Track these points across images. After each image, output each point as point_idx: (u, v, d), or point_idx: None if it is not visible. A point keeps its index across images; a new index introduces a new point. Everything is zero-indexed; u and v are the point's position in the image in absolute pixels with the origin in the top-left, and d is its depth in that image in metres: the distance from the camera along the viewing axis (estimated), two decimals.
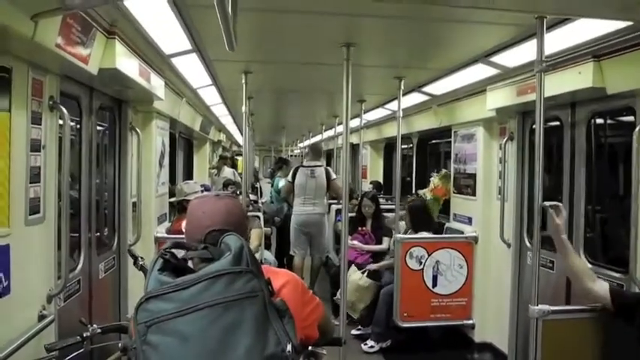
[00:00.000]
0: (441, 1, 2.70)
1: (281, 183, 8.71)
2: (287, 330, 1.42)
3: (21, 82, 2.50)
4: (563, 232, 3.01)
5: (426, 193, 6.38)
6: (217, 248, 1.51)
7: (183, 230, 1.84)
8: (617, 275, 3.66)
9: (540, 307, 2.97)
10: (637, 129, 3.23)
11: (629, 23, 2.75)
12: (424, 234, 5.76)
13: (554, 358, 2.98)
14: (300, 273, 7.67)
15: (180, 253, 1.59)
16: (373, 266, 6.00)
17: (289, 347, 1.38)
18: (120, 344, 2.19)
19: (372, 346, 5.70)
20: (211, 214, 1.78)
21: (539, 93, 2.96)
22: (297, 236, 7.69)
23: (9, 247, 2.40)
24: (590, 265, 3.98)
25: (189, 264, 1.58)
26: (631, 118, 3.56)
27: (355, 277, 5.86)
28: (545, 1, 2.63)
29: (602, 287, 2.92)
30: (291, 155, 14.65)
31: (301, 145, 14.10)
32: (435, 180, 6.41)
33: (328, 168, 8.23)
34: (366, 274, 5.88)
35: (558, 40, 3.23)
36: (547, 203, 3.08)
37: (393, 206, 6.81)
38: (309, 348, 2.11)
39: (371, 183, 10.04)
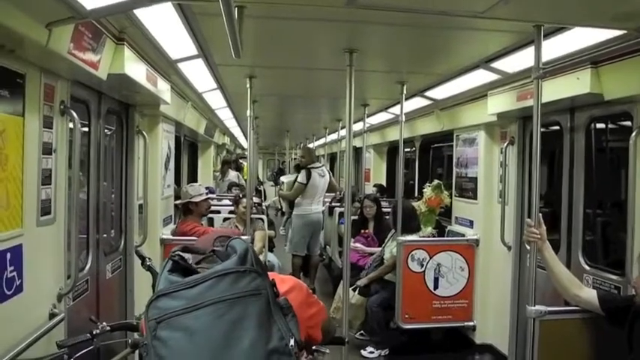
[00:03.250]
0: (441, 10, 2.77)
1: None
2: (290, 327, 1.48)
3: (33, 88, 2.58)
4: (545, 241, 3.07)
5: (421, 205, 6.41)
6: (224, 252, 1.58)
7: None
8: (615, 278, 3.73)
9: (537, 307, 3.03)
10: (634, 134, 3.31)
11: (624, 31, 2.81)
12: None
13: (551, 357, 3.04)
14: (299, 272, 7.83)
15: (188, 257, 1.66)
16: (363, 281, 5.95)
17: (292, 342, 1.44)
18: (129, 340, 2.26)
19: (371, 352, 5.76)
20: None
21: (537, 99, 3.02)
22: (302, 236, 7.89)
23: (22, 247, 2.48)
24: (588, 268, 4.06)
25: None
26: (628, 123, 3.62)
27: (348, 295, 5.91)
28: (541, 11, 2.70)
29: (589, 294, 2.99)
30: (294, 158, 14.71)
31: (302, 147, 14.17)
32: (427, 191, 6.44)
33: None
34: (357, 291, 5.87)
35: (557, 46, 3.29)
36: (528, 220, 3.14)
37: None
38: (313, 347, 2.18)
39: (374, 186, 10.11)
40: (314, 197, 7.99)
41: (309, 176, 7.94)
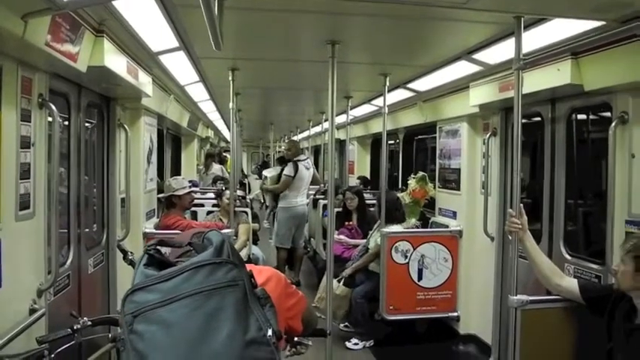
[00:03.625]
0: (422, 1, 2.77)
1: None
2: (268, 317, 1.48)
3: (10, 80, 2.55)
4: (527, 231, 3.09)
5: (405, 197, 6.41)
6: (200, 244, 1.57)
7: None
8: (595, 267, 3.77)
9: (519, 297, 3.05)
10: (613, 124, 3.34)
11: (604, 22, 2.83)
12: None
13: (533, 346, 3.07)
14: (285, 265, 7.86)
15: (164, 250, 1.65)
16: (347, 271, 5.91)
17: (270, 332, 1.44)
18: (109, 335, 2.25)
19: (356, 343, 5.77)
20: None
21: (517, 90, 3.04)
22: (288, 228, 7.92)
23: (0, 242, 2.45)
24: (569, 257, 4.10)
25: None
26: (608, 114, 3.65)
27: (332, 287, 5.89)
28: (522, 2, 2.72)
29: (570, 283, 3.02)
30: (279, 151, 14.68)
31: (287, 140, 14.14)
32: (412, 183, 6.45)
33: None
34: (342, 282, 5.85)
35: (538, 37, 3.31)
36: (510, 210, 3.17)
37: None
38: (295, 339, 2.18)
39: (358, 178, 10.11)
40: (300, 190, 8.03)
41: (296, 169, 7.96)
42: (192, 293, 1.39)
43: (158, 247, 1.56)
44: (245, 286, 1.45)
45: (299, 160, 8.06)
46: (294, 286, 1.95)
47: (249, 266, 1.58)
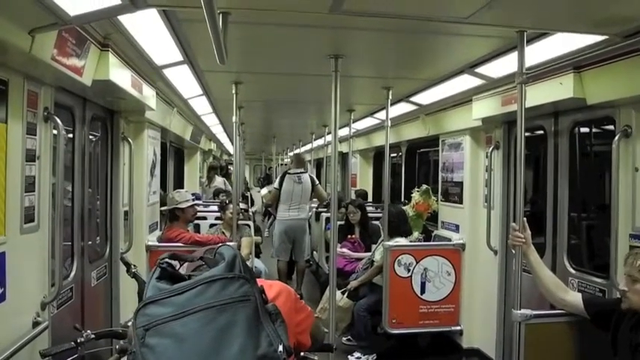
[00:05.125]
0: (425, 16, 2.78)
1: None
2: (279, 332, 1.48)
3: (17, 94, 2.56)
4: (530, 245, 3.09)
5: (408, 210, 6.41)
6: (212, 259, 1.57)
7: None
8: (599, 281, 3.75)
9: (523, 311, 3.05)
10: (616, 138, 3.35)
11: (606, 37, 2.85)
12: None
13: None
14: (285, 277, 7.84)
15: (176, 264, 1.65)
16: (354, 284, 5.88)
17: (281, 348, 1.44)
18: (117, 346, 2.24)
19: (358, 357, 5.74)
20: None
21: (521, 104, 3.05)
22: (281, 241, 7.89)
23: (5, 255, 2.45)
24: (573, 271, 4.09)
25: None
26: (611, 127, 3.66)
27: (336, 298, 5.87)
28: (524, 16, 2.74)
29: (574, 297, 3.01)
30: (282, 164, 14.70)
31: (291, 153, 14.16)
32: (415, 196, 6.44)
33: (312, 175, 8.46)
34: (346, 294, 5.81)
35: (540, 52, 3.32)
36: (513, 224, 3.16)
37: (381, 214, 6.88)
38: (302, 354, 2.17)
39: (356, 193, 10.07)
40: (288, 203, 7.92)
41: (281, 182, 7.97)
42: (204, 308, 1.40)
43: (170, 261, 1.56)
44: (256, 302, 1.46)
45: (289, 173, 8.03)
46: (302, 301, 1.95)
47: (259, 281, 1.59)
